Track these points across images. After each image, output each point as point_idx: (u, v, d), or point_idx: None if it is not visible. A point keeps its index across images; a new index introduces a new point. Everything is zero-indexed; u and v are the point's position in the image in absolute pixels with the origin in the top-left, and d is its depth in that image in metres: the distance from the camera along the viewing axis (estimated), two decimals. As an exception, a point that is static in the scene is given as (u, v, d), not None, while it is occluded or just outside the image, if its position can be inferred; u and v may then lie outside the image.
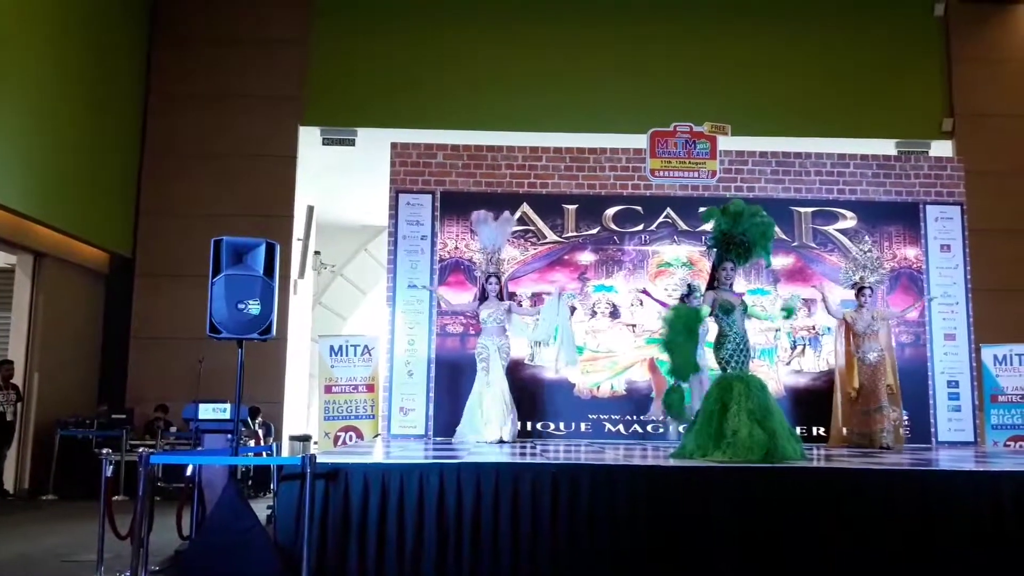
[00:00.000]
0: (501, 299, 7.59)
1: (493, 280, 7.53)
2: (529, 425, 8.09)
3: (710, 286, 6.30)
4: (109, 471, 4.62)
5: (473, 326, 7.94)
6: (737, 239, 6.07)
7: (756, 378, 5.98)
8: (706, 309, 6.16)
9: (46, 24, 9.05)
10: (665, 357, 6.43)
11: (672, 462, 5.55)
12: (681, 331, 6.08)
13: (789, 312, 6.49)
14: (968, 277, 8.53)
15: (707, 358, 6.90)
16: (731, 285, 6.24)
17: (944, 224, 8.59)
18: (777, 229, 6.81)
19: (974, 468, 5.20)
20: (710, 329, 6.66)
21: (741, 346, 6.00)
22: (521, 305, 8.07)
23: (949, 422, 8.25)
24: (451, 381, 8.06)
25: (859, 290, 7.53)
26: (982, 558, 4.47)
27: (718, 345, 6.07)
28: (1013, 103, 10.99)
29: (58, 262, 9.87)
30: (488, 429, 7.19)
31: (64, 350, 10.03)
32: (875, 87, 10.94)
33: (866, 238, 8.28)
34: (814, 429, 8.09)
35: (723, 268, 6.19)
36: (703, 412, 5.88)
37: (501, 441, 7.11)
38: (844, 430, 7.60)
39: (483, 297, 7.58)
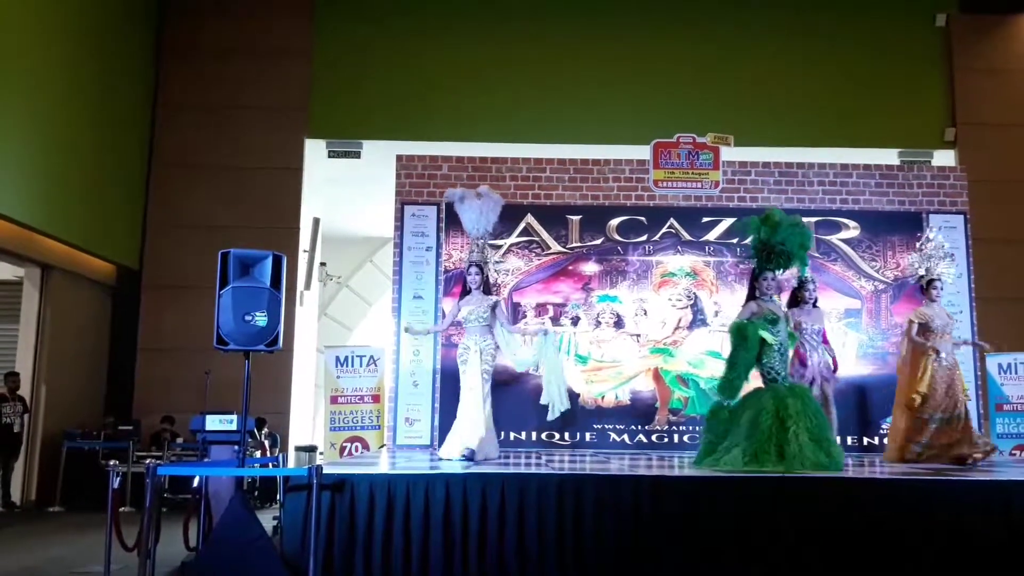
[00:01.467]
0: (488, 293, 6.58)
1: (474, 271, 6.48)
2: (534, 435, 8.10)
3: (751, 296, 6.25)
4: (116, 482, 4.66)
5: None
6: (777, 248, 6.08)
7: (807, 391, 6.12)
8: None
9: (54, 37, 9.13)
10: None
11: (684, 471, 5.54)
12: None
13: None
14: (972, 286, 8.52)
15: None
16: (772, 295, 6.20)
17: (947, 233, 8.54)
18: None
19: (981, 477, 5.20)
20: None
21: (785, 356, 6.05)
22: (525, 317, 8.03)
23: (955, 431, 8.20)
24: (456, 391, 8.00)
25: (929, 283, 6.95)
26: (991, 566, 4.48)
27: (762, 355, 5.96)
28: (1015, 112, 11.00)
29: (66, 274, 9.92)
30: (450, 442, 6.30)
31: (71, 362, 10.08)
32: (877, 97, 10.98)
33: (932, 227, 8.04)
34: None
35: (764, 278, 6.16)
36: (753, 424, 5.68)
37: (469, 458, 6.06)
38: (909, 445, 6.69)
39: (464, 292, 6.65)
